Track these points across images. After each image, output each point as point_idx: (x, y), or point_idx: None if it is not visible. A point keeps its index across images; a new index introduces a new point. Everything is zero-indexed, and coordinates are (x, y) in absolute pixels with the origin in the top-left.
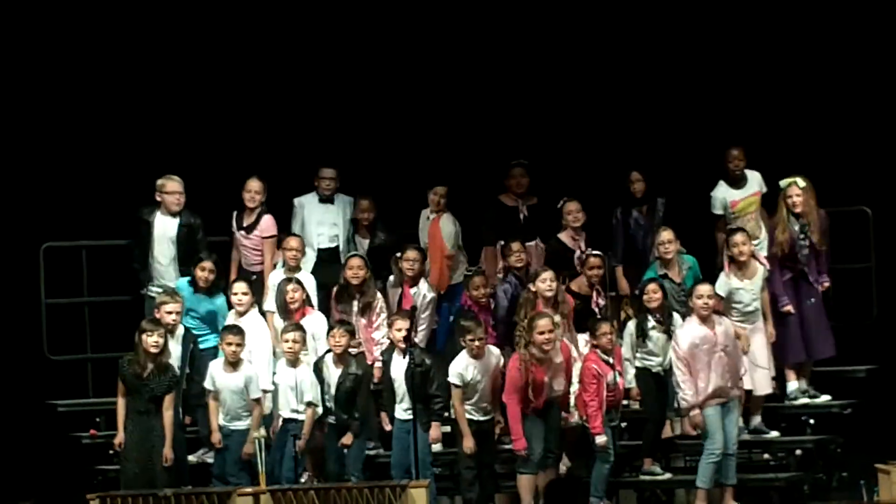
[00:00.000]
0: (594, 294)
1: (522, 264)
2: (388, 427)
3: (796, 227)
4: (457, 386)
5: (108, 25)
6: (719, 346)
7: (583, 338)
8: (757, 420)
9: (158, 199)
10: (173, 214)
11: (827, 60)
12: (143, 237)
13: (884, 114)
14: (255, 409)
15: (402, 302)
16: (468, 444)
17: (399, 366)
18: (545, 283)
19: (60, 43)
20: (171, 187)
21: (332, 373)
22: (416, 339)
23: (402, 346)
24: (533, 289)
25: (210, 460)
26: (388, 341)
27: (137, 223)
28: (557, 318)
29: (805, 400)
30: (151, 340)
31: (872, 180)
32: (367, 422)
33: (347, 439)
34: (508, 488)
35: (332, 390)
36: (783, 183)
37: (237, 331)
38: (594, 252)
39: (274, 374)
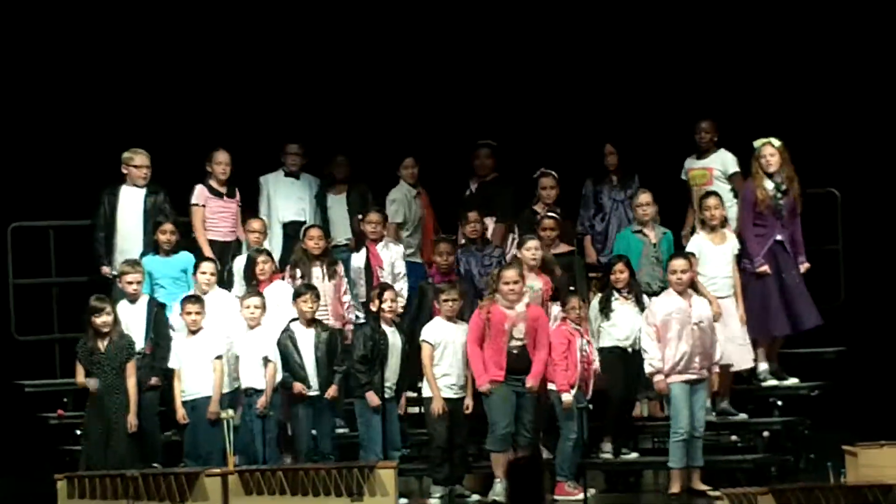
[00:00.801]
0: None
1: (477, 235)
2: (376, 402)
3: (771, 186)
4: (428, 344)
5: (72, 5)
6: (693, 319)
7: (556, 307)
8: (725, 403)
9: (125, 171)
10: (139, 188)
11: (799, 43)
12: (106, 215)
13: (852, 96)
14: (217, 369)
15: (371, 261)
16: (437, 405)
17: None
18: (529, 251)
19: (24, 23)
20: (139, 161)
21: (304, 336)
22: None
23: (389, 317)
24: (518, 255)
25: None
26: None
27: (98, 204)
28: (539, 283)
29: (773, 381)
30: (100, 321)
31: (841, 162)
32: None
33: (333, 391)
34: (479, 468)
35: (310, 353)
36: (757, 143)
37: (196, 300)
38: (549, 213)
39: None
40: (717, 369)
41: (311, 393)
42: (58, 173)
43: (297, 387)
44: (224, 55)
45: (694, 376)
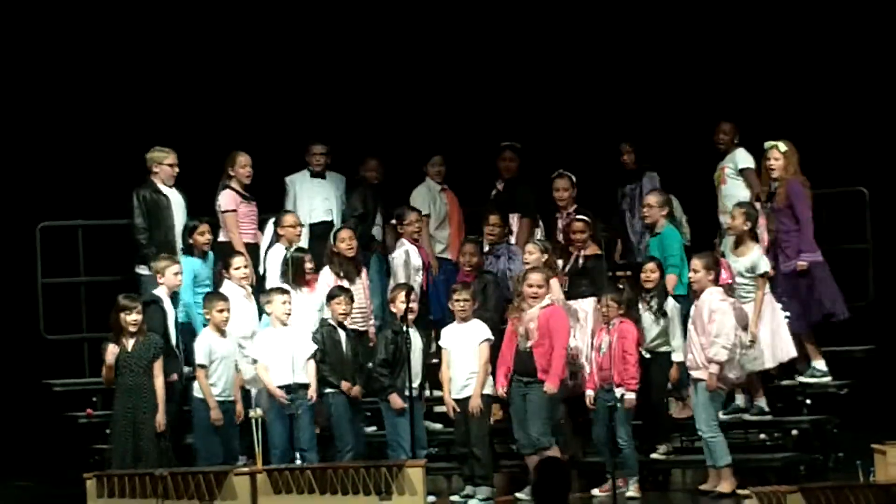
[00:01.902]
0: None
1: (494, 239)
2: (400, 405)
3: (769, 188)
4: (442, 348)
5: (101, 8)
6: (691, 319)
7: (591, 301)
8: (762, 401)
9: (156, 170)
10: (169, 187)
11: (825, 41)
12: (158, 213)
13: (880, 95)
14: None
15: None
16: (448, 407)
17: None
18: (526, 254)
19: (55, 25)
20: (172, 159)
21: (343, 338)
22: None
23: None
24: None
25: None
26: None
27: (144, 202)
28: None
29: (808, 379)
30: (131, 318)
31: (869, 161)
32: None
33: (356, 391)
34: (508, 468)
35: (346, 354)
36: (766, 145)
37: (222, 297)
38: (578, 216)
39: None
40: (713, 369)
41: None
42: (85, 173)
43: (345, 387)
44: (247, 55)
45: (692, 375)
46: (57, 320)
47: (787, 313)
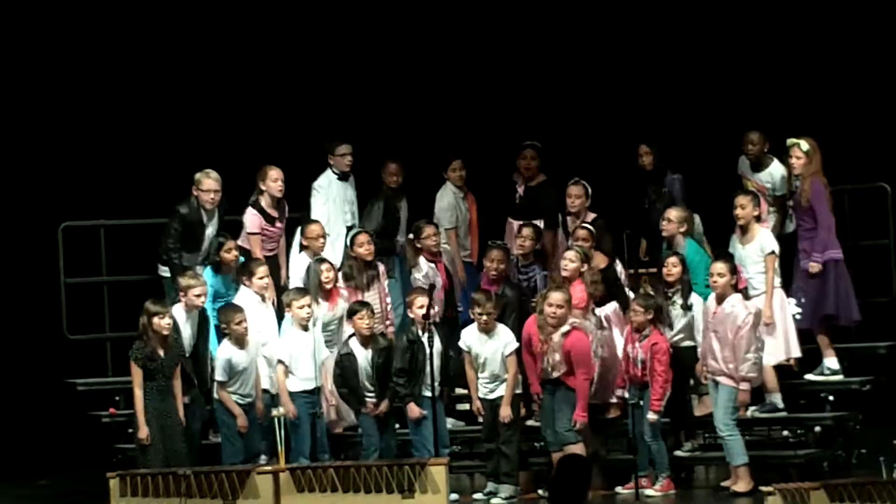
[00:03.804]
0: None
1: (524, 251)
2: (416, 414)
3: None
4: (464, 351)
5: (125, 10)
6: (711, 326)
7: (611, 306)
8: (777, 397)
9: (195, 193)
10: (208, 211)
11: (846, 37)
12: (190, 235)
13: None
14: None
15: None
16: (474, 406)
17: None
18: (564, 260)
19: (80, 26)
20: (206, 185)
21: (362, 355)
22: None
23: (421, 318)
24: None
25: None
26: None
27: (182, 221)
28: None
29: (817, 377)
30: (165, 322)
31: (891, 157)
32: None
33: (384, 406)
34: (533, 466)
35: (368, 369)
36: (788, 143)
37: (239, 308)
38: (583, 224)
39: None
40: (744, 386)
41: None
42: (107, 173)
43: (369, 407)
44: (268, 59)
45: (713, 377)
46: (80, 320)
47: (799, 309)
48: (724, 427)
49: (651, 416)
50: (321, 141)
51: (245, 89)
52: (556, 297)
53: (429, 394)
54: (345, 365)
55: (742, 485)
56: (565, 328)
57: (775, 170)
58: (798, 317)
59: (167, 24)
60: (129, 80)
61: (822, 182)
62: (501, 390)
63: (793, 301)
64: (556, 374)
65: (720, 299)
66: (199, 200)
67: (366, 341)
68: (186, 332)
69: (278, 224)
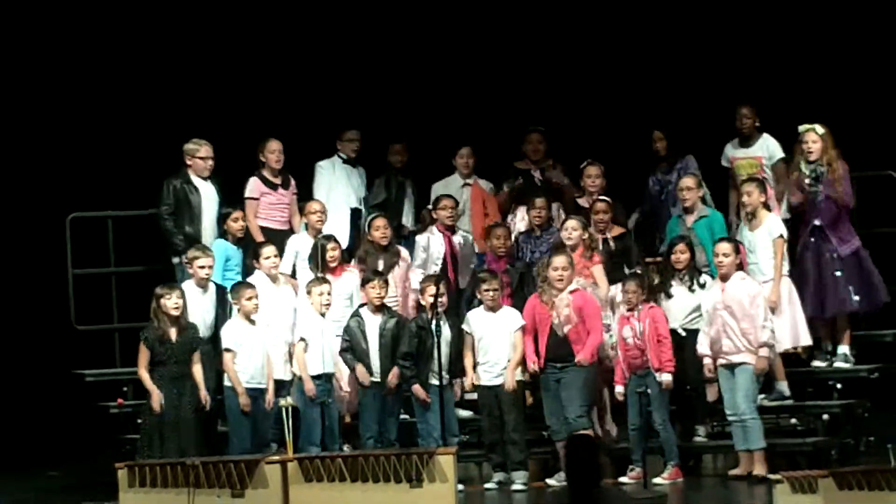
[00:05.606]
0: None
1: (541, 221)
2: (422, 396)
3: (807, 172)
4: (467, 333)
5: (132, 1)
6: (721, 305)
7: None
8: (783, 385)
9: (189, 162)
10: (204, 178)
11: (854, 24)
12: (186, 204)
13: None
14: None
15: (446, 251)
16: (468, 383)
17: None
18: (566, 231)
19: (85, 17)
20: (204, 152)
21: (372, 322)
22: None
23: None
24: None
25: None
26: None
27: (167, 194)
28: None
29: (821, 363)
30: (171, 303)
31: None
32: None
33: (392, 377)
34: (538, 454)
35: (375, 339)
36: (801, 129)
37: (250, 285)
38: (600, 197)
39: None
40: (763, 352)
41: (374, 379)
42: (115, 164)
43: (360, 371)
44: (277, 45)
45: (724, 360)
46: (88, 311)
47: (857, 297)
48: (747, 410)
49: (666, 377)
50: (332, 129)
51: (254, 81)
52: (559, 260)
53: (436, 382)
54: (353, 329)
55: (761, 468)
56: (572, 286)
57: (767, 140)
58: (856, 305)
59: (176, 16)
60: (137, 71)
61: (846, 165)
62: (503, 378)
63: (851, 289)
64: (567, 329)
65: (725, 279)
66: (195, 168)
67: (376, 311)
68: (206, 310)
69: (281, 190)
